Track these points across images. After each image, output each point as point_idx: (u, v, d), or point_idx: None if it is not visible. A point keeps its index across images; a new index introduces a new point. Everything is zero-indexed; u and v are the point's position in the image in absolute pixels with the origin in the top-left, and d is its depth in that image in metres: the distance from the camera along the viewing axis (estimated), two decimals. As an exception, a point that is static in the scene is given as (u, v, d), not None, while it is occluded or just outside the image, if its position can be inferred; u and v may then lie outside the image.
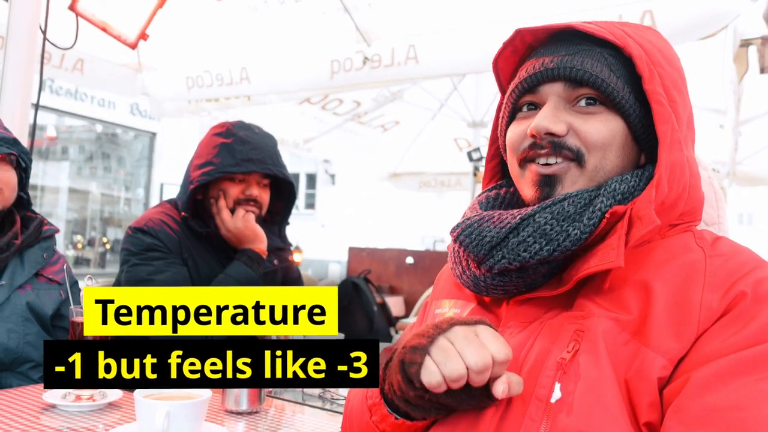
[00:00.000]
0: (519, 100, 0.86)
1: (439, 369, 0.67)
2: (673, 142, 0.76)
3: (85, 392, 1.29)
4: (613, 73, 0.80)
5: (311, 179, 15.12)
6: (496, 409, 0.72)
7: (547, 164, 0.81)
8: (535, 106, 0.84)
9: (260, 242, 1.91)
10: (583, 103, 0.81)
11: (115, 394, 1.33)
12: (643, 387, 0.67)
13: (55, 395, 1.29)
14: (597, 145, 0.80)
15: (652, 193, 0.75)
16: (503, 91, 0.92)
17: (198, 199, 1.93)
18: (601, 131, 0.80)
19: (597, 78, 0.79)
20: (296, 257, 3.33)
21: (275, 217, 2.11)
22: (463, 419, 0.74)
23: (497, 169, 0.98)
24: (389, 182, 6.71)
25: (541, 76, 0.82)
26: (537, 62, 0.83)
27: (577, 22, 0.82)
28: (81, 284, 1.73)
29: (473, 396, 0.71)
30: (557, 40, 0.84)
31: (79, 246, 10.97)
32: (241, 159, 1.86)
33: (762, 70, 2.64)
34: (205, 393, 1.12)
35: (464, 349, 0.67)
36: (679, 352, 0.67)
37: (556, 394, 0.69)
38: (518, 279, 0.79)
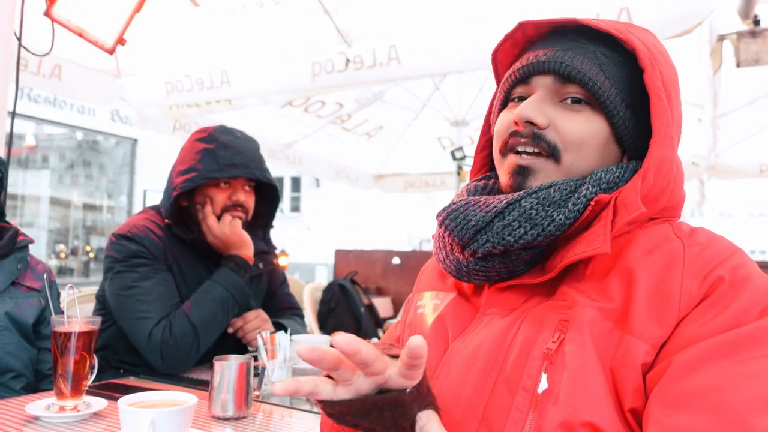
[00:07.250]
0: (511, 90, 0.88)
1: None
2: (665, 138, 0.78)
3: (69, 402, 1.27)
4: (602, 73, 0.81)
5: (296, 182, 15.07)
6: (480, 399, 0.73)
7: (525, 152, 0.83)
8: (526, 98, 0.85)
9: (247, 248, 1.90)
10: (569, 100, 0.82)
11: (99, 404, 1.31)
12: (627, 374, 0.68)
13: (38, 406, 1.27)
14: (574, 143, 0.81)
15: (638, 182, 0.76)
16: (500, 83, 0.93)
17: (183, 205, 1.91)
18: (579, 130, 0.81)
19: (585, 76, 0.80)
20: (282, 261, 3.32)
21: (259, 221, 2.10)
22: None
23: (486, 160, 0.99)
24: (374, 184, 6.72)
25: (533, 68, 0.83)
26: (531, 55, 0.85)
27: (580, 17, 0.83)
28: (62, 294, 1.70)
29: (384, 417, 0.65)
30: (556, 35, 0.86)
31: (62, 255, 10.84)
32: (225, 164, 1.85)
33: (738, 64, 2.68)
34: (191, 399, 1.11)
35: None
36: (661, 337, 0.68)
37: (543, 384, 0.69)
38: (501, 264, 0.80)
